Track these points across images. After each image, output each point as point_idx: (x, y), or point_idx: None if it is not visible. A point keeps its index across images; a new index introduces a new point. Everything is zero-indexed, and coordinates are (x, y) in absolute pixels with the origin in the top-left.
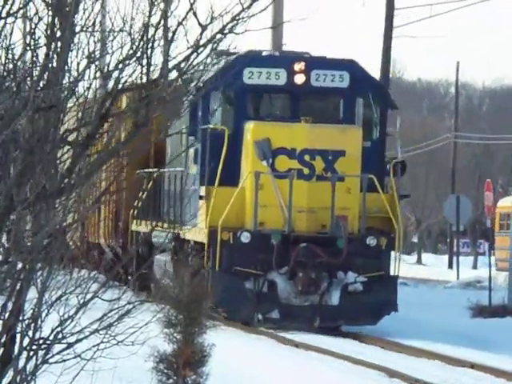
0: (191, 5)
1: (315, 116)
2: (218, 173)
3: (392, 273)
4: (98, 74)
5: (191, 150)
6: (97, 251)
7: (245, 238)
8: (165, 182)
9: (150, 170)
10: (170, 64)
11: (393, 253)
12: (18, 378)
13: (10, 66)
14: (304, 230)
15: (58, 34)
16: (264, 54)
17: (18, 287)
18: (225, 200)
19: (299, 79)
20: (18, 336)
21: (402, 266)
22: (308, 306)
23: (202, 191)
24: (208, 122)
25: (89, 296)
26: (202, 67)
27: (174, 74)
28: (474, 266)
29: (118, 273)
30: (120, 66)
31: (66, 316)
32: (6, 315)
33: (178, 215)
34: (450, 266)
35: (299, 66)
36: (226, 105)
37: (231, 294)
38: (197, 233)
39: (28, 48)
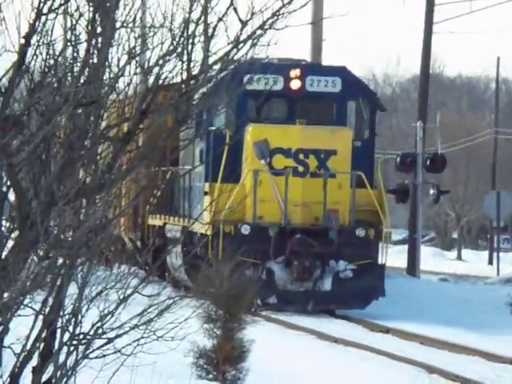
0: (232, 1)
1: (310, 118)
2: (220, 171)
3: (380, 261)
4: (138, 70)
5: (197, 150)
6: (119, 243)
7: (245, 230)
8: (177, 180)
9: (169, 168)
10: (211, 60)
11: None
12: (59, 373)
13: (51, 61)
14: (299, 222)
15: (99, 29)
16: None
17: (58, 282)
18: (227, 196)
19: (295, 85)
20: (59, 331)
21: (443, 262)
22: (303, 292)
23: (206, 187)
24: (212, 124)
25: (129, 291)
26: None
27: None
28: None
29: (137, 262)
30: (160, 61)
31: (106, 311)
32: (47, 310)
33: (186, 210)
34: (490, 262)
35: (295, 72)
36: (228, 108)
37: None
38: (202, 226)
39: (69, 44)
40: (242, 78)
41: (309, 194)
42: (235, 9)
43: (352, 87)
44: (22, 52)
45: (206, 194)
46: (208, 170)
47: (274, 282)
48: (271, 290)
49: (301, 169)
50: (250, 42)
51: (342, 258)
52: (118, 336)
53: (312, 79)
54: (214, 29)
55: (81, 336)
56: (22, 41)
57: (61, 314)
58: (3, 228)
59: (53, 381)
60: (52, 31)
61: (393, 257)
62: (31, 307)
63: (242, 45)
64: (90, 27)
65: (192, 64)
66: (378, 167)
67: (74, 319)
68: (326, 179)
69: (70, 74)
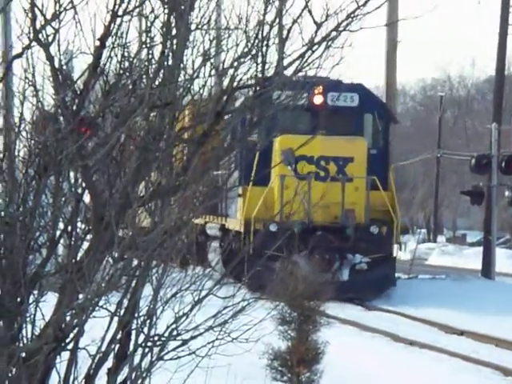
0: (306, 3)
1: (331, 129)
2: (252, 175)
3: (392, 255)
4: (213, 72)
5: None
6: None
7: (273, 227)
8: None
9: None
10: (285, 62)
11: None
12: (133, 375)
13: (126, 63)
14: (320, 220)
15: (174, 31)
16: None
17: (133, 284)
18: (257, 197)
19: (318, 100)
20: (134, 333)
21: None
22: (323, 282)
23: (240, 190)
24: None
25: (203, 293)
26: (316, 65)
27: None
28: None
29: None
30: (235, 63)
31: (181, 313)
32: (122, 312)
33: (223, 210)
34: None
35: (318, 89)
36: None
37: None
38: (236, 224)
39: (144, 46)
40: (271, 94)
41: (329, 196)
42: (310, 11)
43: (368, 102)
44: (97, 54)
45: (239, 195)
46: (241, 175)
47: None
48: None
49: (322, 174)
50: (324, 43)
51: (358, 252)
52: (192, 338)
53: (333, 95)
54: (289, 31)
55: (156, 338)
56: (97, 43)
57: (136, 315)
58: (78, 230)
59: (128, 382)
60: (127, 33)
61: (468, 259)
62: (106, 309)
63: (316, 47)
64: (164, 29)
65: (267, 66)
66: (391, 172)
67: (148, 321)
68: (344, 183)
69: (144, 76)
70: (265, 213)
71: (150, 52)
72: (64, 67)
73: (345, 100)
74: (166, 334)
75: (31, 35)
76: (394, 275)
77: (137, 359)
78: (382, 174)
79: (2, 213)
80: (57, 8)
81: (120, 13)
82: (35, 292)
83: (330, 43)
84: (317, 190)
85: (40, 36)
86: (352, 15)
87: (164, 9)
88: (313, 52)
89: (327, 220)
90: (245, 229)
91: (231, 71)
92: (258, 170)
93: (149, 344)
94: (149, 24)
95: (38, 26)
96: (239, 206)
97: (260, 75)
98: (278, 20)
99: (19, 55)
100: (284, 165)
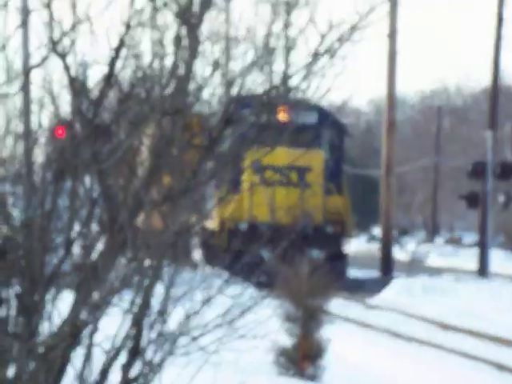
0: (311, 15)
1: (294, 143)
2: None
3: (344, 251)
4: (222, 81)
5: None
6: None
7: (243, 227)
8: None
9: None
10: (291, 71)
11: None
12: (146, 370)
13: (139, 73)
14: (283, 221)
15: (185, 43)
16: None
17: (146, 283)
18: (230, 201)
19: (282, 117)
20: (146, 329)
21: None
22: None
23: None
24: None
25: (213, 292)
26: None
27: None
28: None
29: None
30: (243, 73)
31: (191, 311)
32: (135, 309)
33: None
34: None
35: (282, 107)
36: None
37: (234, 265)
38: (213, 223)
39: (156, 56)
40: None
41: (291, 200)
42: (314, 23)
43: (325, 119)
44: (112, 64)
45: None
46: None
47: (264, 265)
48: (262, 272)
49: (285, 181)
50: (328, 54)
51: (315, 248)
52: (202, 334)
53: (296, 113)
54: (295, 42)
55: (167, 334)
56: (112, 53)
57: (148, 313)
58: (93, 231)
59: (140, 377)
60: (140, 44)
61: (465, 260)
62: (120, 306)
63: (320, 57)
64: (176, 40)
65: (273, 75)
66: (344, 180)
67: (160, 318)
68: (303, 189)
69: (157, 85)
70: (236, 214)
71: (162, 62)
72: (80, 76)
73: (306, 117)
74: (177, 331)
75: (49, 46)
76: (345, 268)
77: (149, 355)
78: (336, 181)
79: (21, 215)
80: (73, 20)
81: (133, 24)
82: (52, 290)
83: (333, 53)
84: (280, 194)
85: (57, 47)
86: (354, 27)
87: (175, 21)
88: (317, 62)
89: (289, 220)
90: (220, 227)
91: (239, 80)
92: (232, 179)
93: (160, 340)
94: (161, 35)
95: (55, 37)
96: (216, 208)
97: (267, 84)
98: (284, 31)
99: (38, 65)
100: (253, 173)
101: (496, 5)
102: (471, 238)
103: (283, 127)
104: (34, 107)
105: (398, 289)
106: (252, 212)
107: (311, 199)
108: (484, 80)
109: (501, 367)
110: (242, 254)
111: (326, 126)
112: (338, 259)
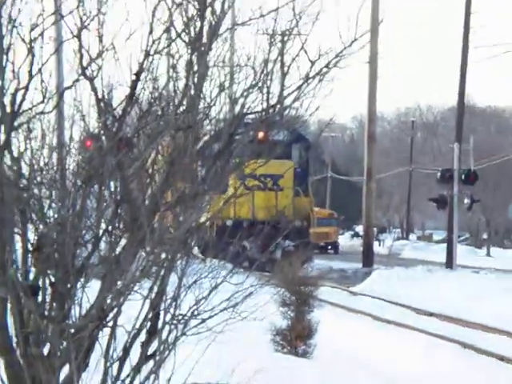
0: (303, 44)
1: (270, 156)
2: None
3: (310, 241)
4: (227, 101)
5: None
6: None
7: (229, 222)
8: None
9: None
10: (286, 92)
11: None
12: (162, 347)
13: (156, 94)
14: (261, 217)
15: (195, 68)
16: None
17: (162, 273)
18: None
19: (260, 135)
20: (162, 313)
21: (474, 257)
22: (264, 260)
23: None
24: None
25: (219, 280)
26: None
27: (288, 101)
28: None
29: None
30: (245, 93)
31: (200, 297)
32: (153, 295)
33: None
34: None
35: (261, 128)
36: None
37: (222, 255)
38: (203, 219)
39: (170, 79)
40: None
41: (267, 201)
42: (305, 51)
43: (295, 136)
44: (133, 86)
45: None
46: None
47: (246, 253)
48: (244, 258)
49: (262, 186)
50: (317, 77)
51: (287, 239)
52: (210, 317)
53: (270, 132)
54: (289, 67)
55: (180, 317)
56: (133, 77)
57: (164, 298)
58: (117, 229)
59: (157, 353)
60: (157, 69)
61: (434, 253)
62: (140, 293)
63: (311, 80)
64: (187, 66)
65: (270, 96)
66: (309, 184)
67: (174, 303)
68: (277, 192)
69: (171, 104)
70: (224, 212)
71: (176, 84)
72: (106, 97)
73: (279, 135)
74: (189, 314)
75: (79, 71)
76: (312, 255)
77: (164, 334)
78: (303, 186)
79: (56, 215)
80: (100, 48)
81: (152, 52)
82: (82, 279)
83: (322, 77)
84: (259, 197)
85: (86, 72)
86: (340, 54)
87: (187, 49)
88: (308, 84)
89: (266, 217)
90: (210, 224)
91: (242, 100)
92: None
93: (174, 322)
94: (175, 61)
95: (84, 63)
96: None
97: (265, 103)
98: (279, 58)
99: (69, 87)
100: (236, 180)
101: (461, 35)
102: (440, 235)
103: (262, 144)
104: (67, 123)
105: (377, 278)
106: (236, 211)
107: (283, 200)
108: (452, 99)
109: (464, 345)
110: (229, 245)
111: (295, 142)
112: (305, 247)
